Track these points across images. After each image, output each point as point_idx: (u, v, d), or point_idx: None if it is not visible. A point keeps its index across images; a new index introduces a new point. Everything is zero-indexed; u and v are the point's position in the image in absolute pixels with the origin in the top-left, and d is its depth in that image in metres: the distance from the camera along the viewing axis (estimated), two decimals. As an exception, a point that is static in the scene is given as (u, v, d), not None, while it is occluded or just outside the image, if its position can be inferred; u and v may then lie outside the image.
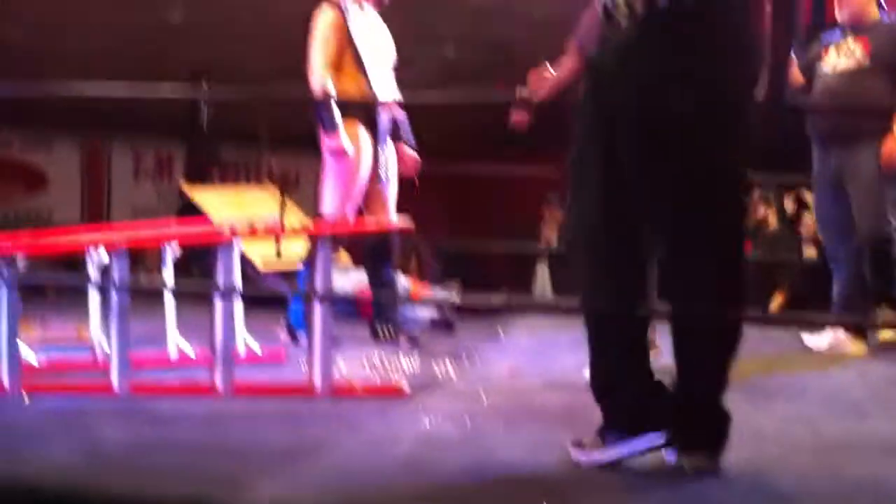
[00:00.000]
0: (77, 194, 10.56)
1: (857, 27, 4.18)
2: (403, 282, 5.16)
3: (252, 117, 7.94)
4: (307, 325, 3.85)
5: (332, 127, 3.86)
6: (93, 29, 7.69)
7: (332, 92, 3.88)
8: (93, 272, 3.24)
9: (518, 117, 3.35)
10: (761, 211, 7.13)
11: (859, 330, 4.17)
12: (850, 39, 4.18)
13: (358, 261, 5.14)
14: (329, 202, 4.02)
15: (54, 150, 10.24)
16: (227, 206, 5.28)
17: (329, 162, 4.02)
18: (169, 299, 3.67)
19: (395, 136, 4.22)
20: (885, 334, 4.19)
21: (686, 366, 2.12)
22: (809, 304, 4.82)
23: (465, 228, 7.74)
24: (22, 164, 10.21)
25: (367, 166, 4.04)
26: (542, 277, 7.66)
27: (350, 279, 5.06)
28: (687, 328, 2.12)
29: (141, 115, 8.12)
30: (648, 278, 2.17)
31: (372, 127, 4.06)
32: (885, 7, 4.27)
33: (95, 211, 10.59)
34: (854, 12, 4.18)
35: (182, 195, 5.90)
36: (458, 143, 7.08)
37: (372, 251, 4.09)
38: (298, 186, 9.94)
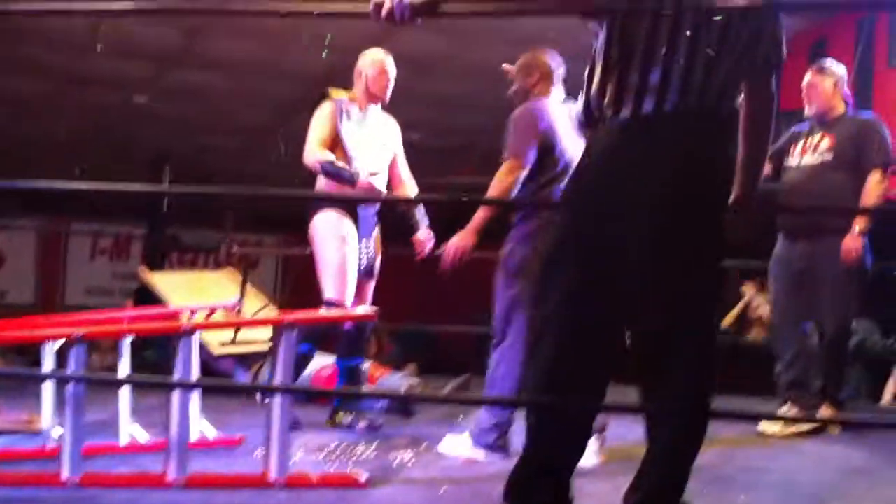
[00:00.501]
0: (32, 274, 10.46)
1: (824, 121, 4.32)
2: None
3: (214, 200, 7.97)
4: None
5: (350, 177, 3.95)
6: (61, 109, 7.74)
7: (330, 156, 4.00)
8: (48, 362, 3.19)
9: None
10: None
11: (812, 406, 4.26)
12: (817, 133, 4.31)
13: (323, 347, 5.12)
14: (330, 286, 4.03)
15: (10, 229, 10.18)
16: (185, 289, 5.22)
17: (318, 248, 4.10)
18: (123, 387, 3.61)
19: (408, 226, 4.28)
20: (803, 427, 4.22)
21: (661, 456, 2.12)
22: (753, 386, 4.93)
23: (430, 310, 7.73)
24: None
25: (354, 252, 4.10)
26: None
27: (315, 363, 5.01)
28: (671, 419, 2.13)
29: (101, 195, 8.11)
30: (607, 380, 2.18)
31: (355, 218, 4.16)
32: (850, 102, 4.43)
33: (49, 291, 10.48)
34: (822, 106, 4.31)
35: (139, 278, 5.84)
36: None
37: (347, 341, 4.11)
38: (259, 270, 9.91)
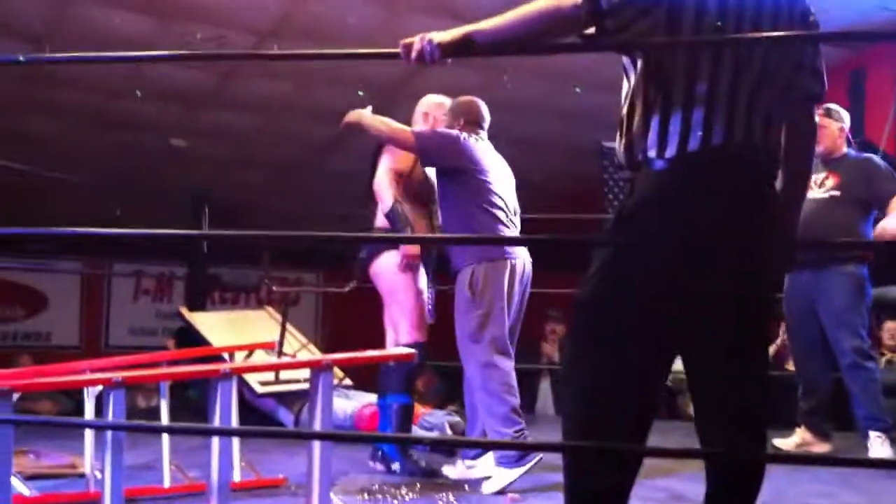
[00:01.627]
0: (76, 315, 10.59)
1: (828, 161, 4.52)
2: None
3: (251, 240, 8.04)
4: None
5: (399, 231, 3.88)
6: (99, 152, 7.87)
7: (391, 194, 3.92)
8: (89, 407, 3.21)
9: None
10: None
11: (825, 433, 4.55)
12: (822, 172, 4.49)
13: (361, 383, 5.11)
14: (402, 333, 3.96)
15: (55, 272, 10.33)
16: (225, 329, 5.27)
17: (394, 290, 4.00)
18: (165, 421, 3.62)
19: None
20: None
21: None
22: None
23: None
24: (22, 285, 10.28)
25: (424, 296, 4.05)
26: (545, 394, 7.59)
27: (350, 402, 5.01)
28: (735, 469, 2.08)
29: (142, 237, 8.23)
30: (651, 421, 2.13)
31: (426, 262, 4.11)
32: (853, 142, 4.68)
33: (93, 333, 10.61)
34: (828, 147, 4.50)
35: (181, 317, 5.90)
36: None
37: (395, 378, 4.00)
38: (298, 307, 9.96)
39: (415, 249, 3.92)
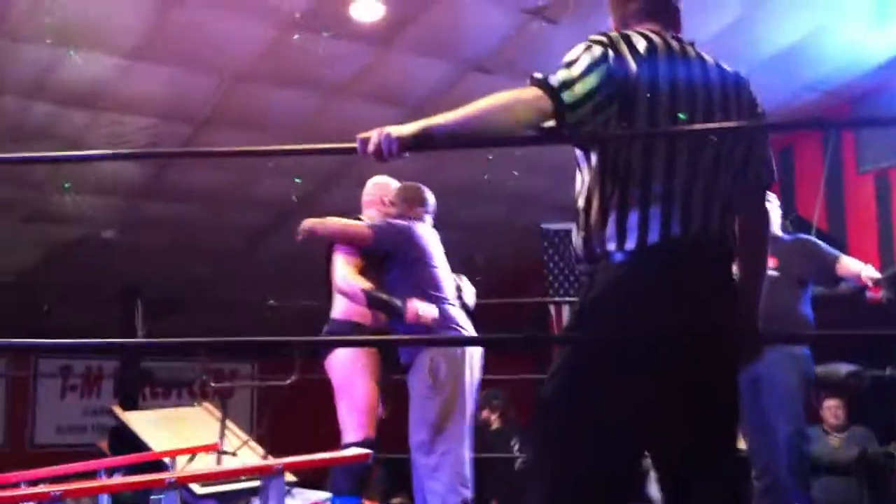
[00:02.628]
0: (1, 415, 10.17)
1: None
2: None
3: (186, 326, 7.84)
4: None
5: (396, 307, 3.65)
6: (26, 245, 7.65)
7: (365, 284, 3.73)
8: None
9: None
10: (484, 413, 7.22)
11: None
12: None
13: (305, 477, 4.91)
14: (351, 429, 3.76)
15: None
16: (162, 429, 5.06)
17: (345, 384, 3.82)
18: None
19: None
20: None
21: None
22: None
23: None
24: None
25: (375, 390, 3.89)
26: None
27: (295, 501, 4.81)
28: None
29: (72, 326, 7.98)
30: None
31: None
32: (785, 223, 4.84)
33: (19, 431, 10.18)
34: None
35: (114, 415, 5.66)
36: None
37: (348, 476, 3.85)
38: (233, 400, 9.69)
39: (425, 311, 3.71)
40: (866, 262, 4.63)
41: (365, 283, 3.76)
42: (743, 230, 2.15)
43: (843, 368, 5.17)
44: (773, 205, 4.64)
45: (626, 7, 2.19)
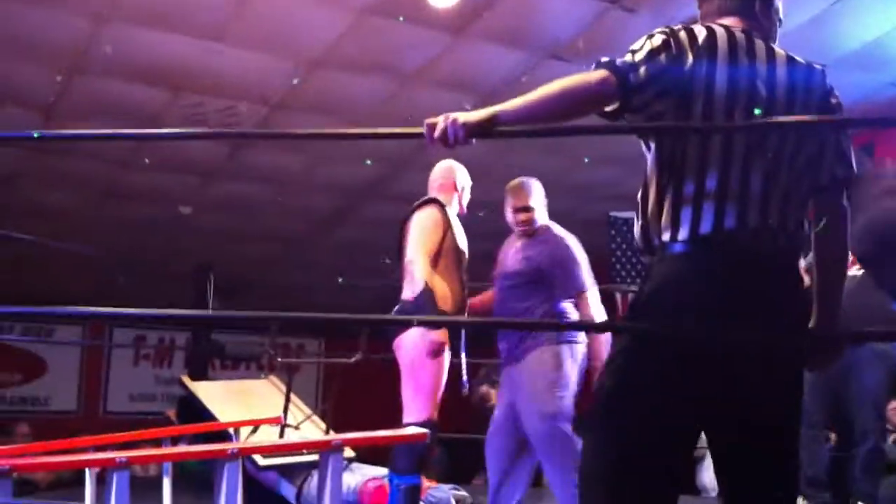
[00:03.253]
0: (75, 380, 10.49)
1: None
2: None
3: (256, 306, 8.00)
4: None
5: (434, 323, 3.75)
6: (106, 221, 7.87)
7: (428, 282, 3.75)
8: (89, 487, 3.13)
9: None
10: (483, 389, 7.15)
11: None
12: None
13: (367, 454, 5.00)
14: (415, 410, 3.79)
15: (55, 336, 10.26)
16: (228, 400, 5.19)
17: (414, 365, 3.81)
18: (167, 501, 3.54)
19: None
20: None
21: None
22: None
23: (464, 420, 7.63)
24: (21, 350, 10.20)
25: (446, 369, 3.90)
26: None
27: (354, 476, 4.90)
28: None
29: (145, 300, 8.20)
30: None
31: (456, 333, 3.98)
32: None
33: (92, 397, 10.49)
34: None
35: (183, 385, 5.81)
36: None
37: (407, 455, 3.81)
38: (299, 374, 9.87)
39: (443, 336, 3.76)
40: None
41: (425, 276, 3.75)
42: (819, 228, 2.11)
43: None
44: None
45: (708, 3, 2.21)
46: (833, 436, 5.36)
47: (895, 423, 5.75)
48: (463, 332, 3.99)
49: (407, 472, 3.80)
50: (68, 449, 3.47)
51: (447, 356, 3.87)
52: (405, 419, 3.82)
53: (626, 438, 1.97)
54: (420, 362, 3.80)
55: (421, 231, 3.86)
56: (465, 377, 4.04)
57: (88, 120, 5.89)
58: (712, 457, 2.11)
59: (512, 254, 4.07)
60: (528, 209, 4.03)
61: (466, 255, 4.04)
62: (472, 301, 4.09)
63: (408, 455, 3.78)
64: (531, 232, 4.06)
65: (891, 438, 5.56)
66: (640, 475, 1.95)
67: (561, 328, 3.94)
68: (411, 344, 3.82)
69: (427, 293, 3.72)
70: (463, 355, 4.01)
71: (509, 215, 4.07)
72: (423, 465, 3.91)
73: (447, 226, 3.94)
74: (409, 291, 3.83)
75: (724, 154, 1.99)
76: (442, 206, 3.97)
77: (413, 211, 3.96)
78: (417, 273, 3.75)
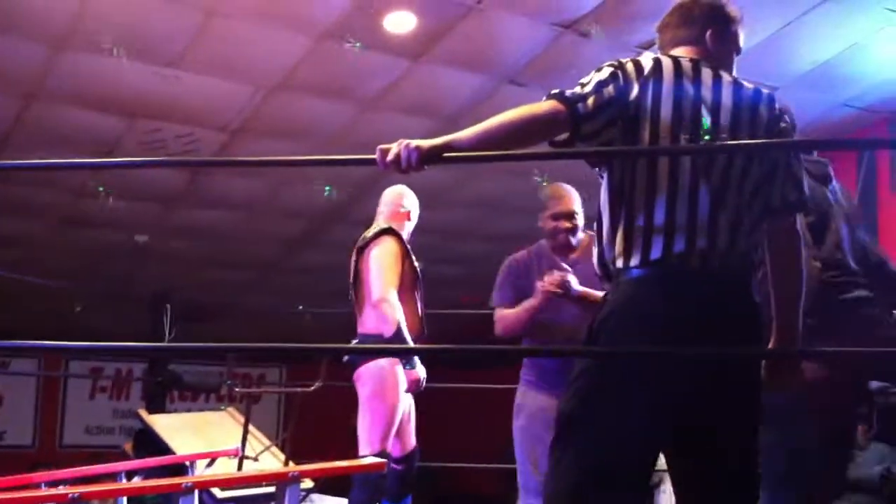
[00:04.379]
0: (30, 414, 10.30)
1: None
2: None
3: (218, 332, 7.90)
4: None
5: (407, 363, 3.81)
6: (62, 249, 7.75)
7: (402, 317, 3.72)
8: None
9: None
10: None
11: None
12: None
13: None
14: (369, 442, 3.78)
15: (10, 368, 10.09)
16: (186, 432, 5.10)
17: (372, 398, 3.82)
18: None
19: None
20: None
21: None
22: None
23: (438, 443, 7.58)
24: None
25: (405, 401, 3.92)
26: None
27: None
28: None
29: (103, 329, 8.07)
30: None
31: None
32: None
33: (48, 431, 10.31)
34: None
35: (140, 418, 5.71)
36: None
37: (396, 481, 3.90)
38: (260, 404, 9.76)
39: (421, 373, 3.83)
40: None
41: (398, 316, 3.72)
42: (771, 253, 2.15)
43: (871, 385, 5.13)
44: None
45: (662, 36, 2.28)
46: None
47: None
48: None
49: (364, 503, 3.78)
50: (23, 485, 3.39)
51: (402, 391, 3.84)
52: (360, 451, 3.80)
53: (588, 459, 1.97)
54: (379, 395, 3.80)
55: (384, 268, 3.84)
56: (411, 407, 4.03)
57: (44, 148, 5.80)
58: (671, 476, 2.11)
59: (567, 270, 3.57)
60: (572, 215, 3.59)
61: (420, 280, 4.04)
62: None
63: (361, 486, 3.76)
64: (570, 243, 3.60)
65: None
66: (603, 495, 1.95)
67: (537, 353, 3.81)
68: (370, 376, 3.81)
69: (401, 334, 3.69)
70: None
71: (548, 222, 3.61)
72: (379, 494, 3.88)
73: (405, 255, 3.94)
74: (375, 327, 3.81)
75: (671, 180, 2.01)
76: (399, 236, 3.97)
77: (369, 242, 3.94)
78: (390, 312, 3.72)
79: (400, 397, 3.81)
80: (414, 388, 3.86)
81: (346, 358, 3.96)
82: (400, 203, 4.13)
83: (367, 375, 3.82)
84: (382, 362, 3.79)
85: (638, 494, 2.04)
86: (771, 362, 2.18)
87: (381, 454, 3.70)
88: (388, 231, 3.96)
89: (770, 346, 2.14)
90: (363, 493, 3.76)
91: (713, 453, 2.00)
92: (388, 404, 3.78)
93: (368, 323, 3.87)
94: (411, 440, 4.05)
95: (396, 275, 3.83)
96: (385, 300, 3.73)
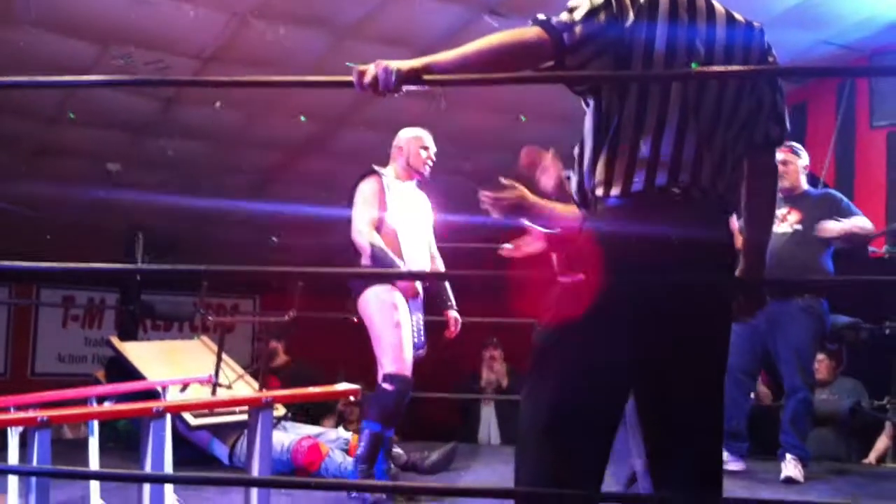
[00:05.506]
0: (2, 342, 10.24)
1: (791, 196, 4.68)
2: (344, 434, 4.97)
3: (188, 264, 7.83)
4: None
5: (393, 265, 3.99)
6: (36, 176, 7.62)
7: (379, 241, 4.02)
8: (13, 444, 3.03)
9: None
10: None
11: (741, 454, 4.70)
12: (784, 207, 4.63)
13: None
14: (389, 361, 4.00)
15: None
16: (158, 360, 5.09)
17: (371, 324, 4.06)
18: (94, 461, 3.44)
19: (438, 302, 4.41)
20: None
21: None
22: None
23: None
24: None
25: (408, 325, 4.08)
26: (488, 421, 7.48)
27: (288, 435, 4.85)
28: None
29: (75, 260, 7.99)
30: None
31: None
32: (811, 183, 4.93)
33: (20, 360, 10.25)
34: (792, 183, 4.68)
35: (112, 346, 5.68)
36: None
37: (380, 409, 4.01)
38: (233, 334, 9.74)
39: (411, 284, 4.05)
40: (873, 218, 4.67)
41: (374, 240, 4.00)
42: (750, 186, 2.15)
43: (841, 320, 5.22)
44: (802, 158, 4.74)
45: None
46: (761, 389, 5.51)
47: (823, 377, 5.88)
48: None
49: (372, 419, 4.00)
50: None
51: (403, 312, 4.02)
52: (379, 375, 4.01)
53: (561, 390, 1.97)
54: (376, 321, 4.01)
55: (355, 206, 4.14)
56: (421, 337, 4.19)
57: (13, 75, 5.66)
58: (638, 410, 2.11)
59: None
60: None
61: (420, 221, 4.26)
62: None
63: (373, 406, 4.01)
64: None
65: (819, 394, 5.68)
66: (571, 429, 1.95)
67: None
68: (365, 305, 4.05)
69: (378, 250, 3.95)
70: (419, 314, 4.19)
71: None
72: (389, 416, 4.01)
73: (381, 190, 4.16)
74: (364, 259, 4.06)
75: (660, 115, 1.99)
76: (375, 175, 4.20)
77: (358, 182, 4.21)
78: (360, 241, 4.01)
79: (396, 318, 3.99)
80: (412, 292, 4.06)
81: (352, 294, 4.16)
82: (396, 140, 4.36)
83: (362, 305, 4.07)
84: (369, 291, 4.01)
85: (607, 431, 2.02)
86: (741, 292, 2.21)
87: (391, 377, 3.93)
88: (372, 172, 4.21)
89: (738, 275, 2.17)
90: (372, 412, 3.98)
91: (679, 385, 2.00)
92: (385, 328, 3.98)
93: (364, 259, 4.10)
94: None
95: (374, 210, 4.09)
96: (359, 232, 4.04)
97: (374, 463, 4.00)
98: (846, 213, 4.57)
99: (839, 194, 4.78)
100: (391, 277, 4.08)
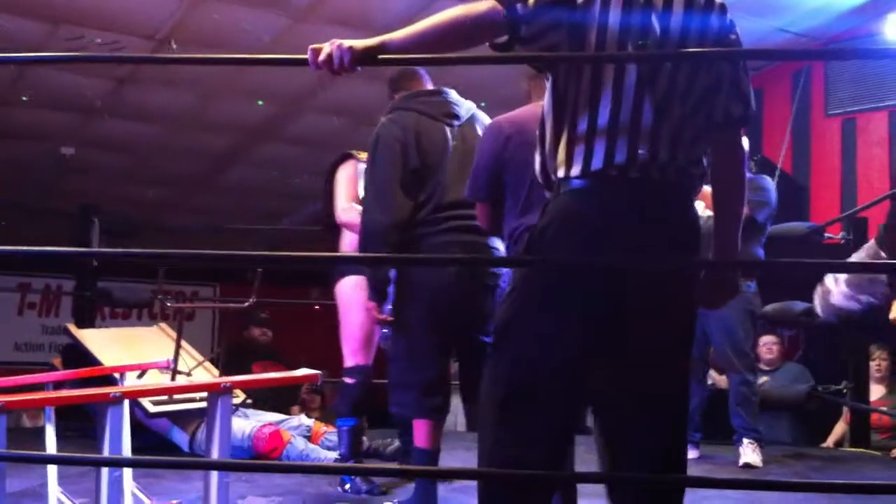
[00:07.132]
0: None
1: None
2: (306, 421, 4.95)
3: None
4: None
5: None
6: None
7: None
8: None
9: None
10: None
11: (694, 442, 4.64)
12: None
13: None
14: (350, 352, 3.96)
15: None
16: (115, 347, 5.01)
17: (342, 312, 3.99)
18: (51, 447, 3.39)
19: None
20: None
21: None
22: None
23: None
24: None
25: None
26: (454, 408, 7.48)
27: (248, 422, 4.82)
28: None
29: (27, 244, 7.86)
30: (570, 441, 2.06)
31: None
32: (751, 162, 4.87)
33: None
34: None
35: (68, 333, 5.60)
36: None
37: (348, 399, 3.96)
38: (193, 322, 9.65)
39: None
40: (828, 204, 4.66)
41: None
42: (714, 166, 2.12)
43: (798, 306, 5.24)
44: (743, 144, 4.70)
45: None
46: (713, 374, 5.53)
47: (764, 359, 5.93)
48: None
49: (344, 415, 3.95)
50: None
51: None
52: (344, 365, 3.96)
53: (519, 366, 1.97)
54: (348, 309, 3.94)
55: (341, 184, 4.06)
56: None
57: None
58: (592, 394, 2.08)
59: None
60: None
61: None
62: None
63: (341, 403, 3.99)
64: None
65: (762, 379, 5.71)
66: (531, 402, 1.95)
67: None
68: (340, 292, 3.99)
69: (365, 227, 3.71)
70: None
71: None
72: (359, 405, 3.97)
73: (356, 181, 4.05)
74: (345, 242, 4.03)
75: (615, 89, 1.97)
76: (356, 161, 4.11)
77: (334, 166, 4.13)
78: (352, 215, 3.88)
79: (364, 316, 3.87)
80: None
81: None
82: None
83: (339, 288, 4.00)
84: (348, 280, 3.96)
85: (565, 410, 2.02)
86: (707, 279, 2.17)
87: (354, 369, 3.90)
88: (347, 156, 4.14)
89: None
90: (342, 407, 3.95)
91: (639, 367, 1.98)
92: (356, 318, 3.91)
93: (343, 244, 4.08)
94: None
95: (347, 194, 4.03)
96: (341, 214, 3.98)
97: (358, 456, 3.98)
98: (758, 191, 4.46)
99: (762, 176, 4.69)
100: (356, 262, 4.03)
